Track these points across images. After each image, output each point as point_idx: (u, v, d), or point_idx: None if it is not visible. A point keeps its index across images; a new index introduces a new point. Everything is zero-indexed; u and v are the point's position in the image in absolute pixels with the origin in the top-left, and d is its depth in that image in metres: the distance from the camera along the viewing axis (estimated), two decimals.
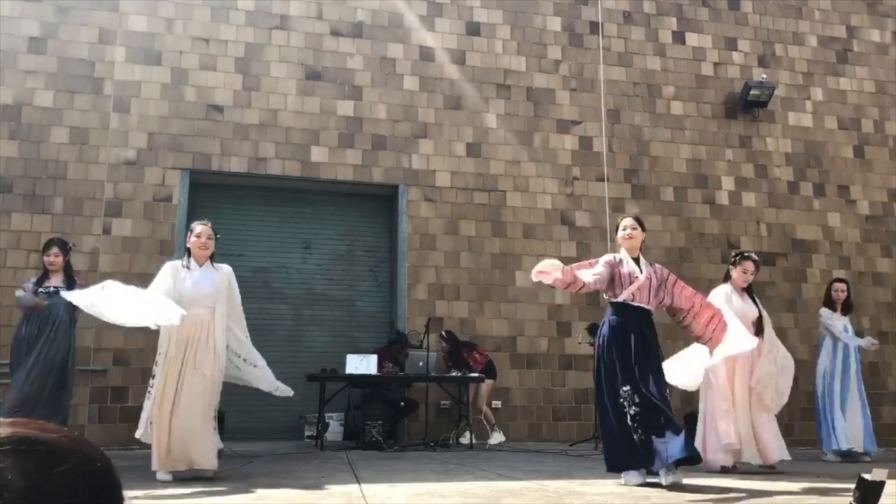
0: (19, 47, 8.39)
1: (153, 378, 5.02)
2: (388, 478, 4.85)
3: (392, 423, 8.01)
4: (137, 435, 5.04)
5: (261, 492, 4.19)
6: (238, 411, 8.09)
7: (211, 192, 9.03)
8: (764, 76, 10.13)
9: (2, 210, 8.03)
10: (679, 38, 10.33)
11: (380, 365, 7.82)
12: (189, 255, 5.29)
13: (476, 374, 8.11)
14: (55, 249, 6.29)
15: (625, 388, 4.51)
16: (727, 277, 6.25)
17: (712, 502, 3.92)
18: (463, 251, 9.09)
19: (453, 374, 8.15)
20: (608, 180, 9.59)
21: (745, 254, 6.34)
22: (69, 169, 8.28)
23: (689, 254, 9.58)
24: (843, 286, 7.60)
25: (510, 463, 5.97)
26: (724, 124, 10.21)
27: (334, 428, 8.53)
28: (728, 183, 10.02)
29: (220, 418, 6.77)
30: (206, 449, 4.94)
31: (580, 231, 9.41)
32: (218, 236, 5.41)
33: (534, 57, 9.80)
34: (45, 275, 6.31)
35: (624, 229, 4.98)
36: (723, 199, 9.95)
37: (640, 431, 4.40)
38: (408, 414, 8.35)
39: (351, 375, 7.66)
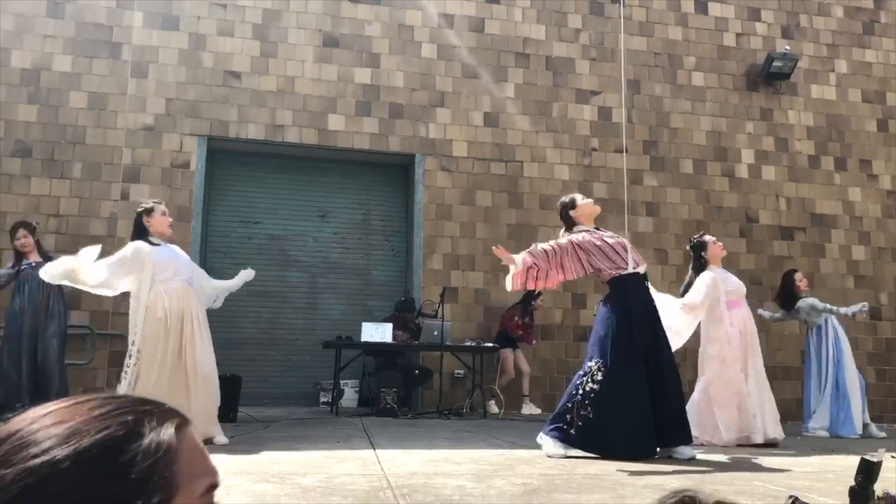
0: (38, 11, 8.38)
1: (135, 351, 4.88)
2: (403, 444, 4.89)
3: (406, 390, 8.08)
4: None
5: (277, 455, 4.24)
6: (254, 377, 8.18)
7: (228, 159, 9.05)
8: (787, 48, 9.97)
9: (21, 174, 8.08)
10: (701, 7, 10.16)
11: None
12: (148, 234, 5.18)
13: (490, 345, 8.14)
14: (22, 231, 6.54)
15: (650, 363, 4.43)
16: (702, 263, 6.08)
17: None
18: (479, 222, 9.07)
19: (467, 343, 8.19)
20: (627, 152, 9.50)
21: (701, 233, 6.31)
22: (87, 134, 8.30)
23: (707, 227, 9.48)
24: (801, 275, 7.48)
25: (523, 432, 6.00)
26: (746, 96, 10.08)
27: (349, 395, 8.61)
28: (748, 156, 9.91)
29: (238, 383, 6.90)
30: (215, 421, 5.03)
31: (598, 203, 9.32)
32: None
33: (553, 26, 9.68)
34: (19, 258, 6.53)
35: (595, 203, 4.96)
36: (742, 172, 9.85)
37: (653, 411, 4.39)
38: (422, 382, 8.41)
39: (366, 343, 7.71)
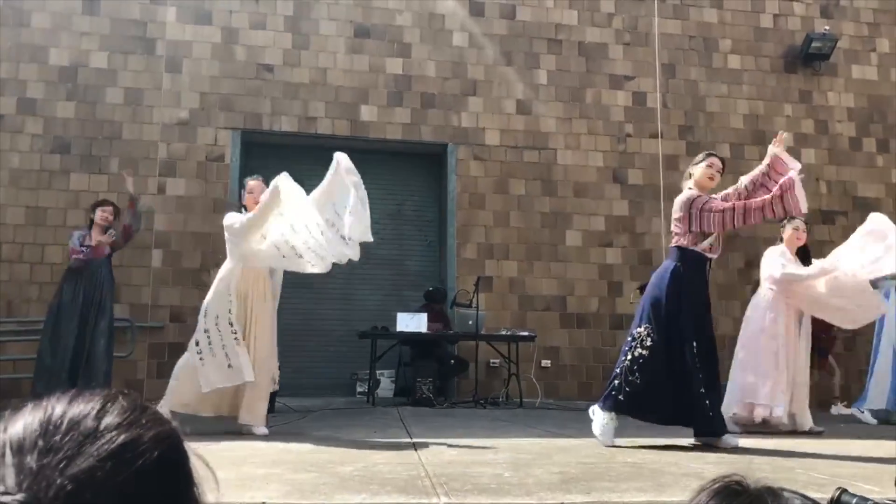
0: (74, 9, 8.50)
1: (230, 325, 4.92)
2: (440, 433, 4.89)
3: (442, 380, 8.09)
4: (249, 378, 4.85)
5: (315, 444, 4.27)
6: (291, 368, 8.23)
7: (262, 152, 9.10)
8: (826, 27, 9.73)
9: (61, 170, 8.22)
10: None
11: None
12: (246, 212, 5.28)
13: (525, 333, 8.10)
14: (112, 208, 6.47)
15: (693, 346, 4.34)
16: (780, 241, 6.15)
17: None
18: (512, 210, 9.02)
19: (502, 332, 8.17)
20: (662, 137, 9.38)
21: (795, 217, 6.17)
22: (124, 129, 8.42)
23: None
24: None
25: (560, 421, 5.98)
26: (784, 78, 9.87)
27: (385, 385, 8.63)
28: (786, 139, 9.70)
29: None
30: (258, 410, 5.06)
31: (633, 189, 9.25)
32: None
33: (586, 10, 9.57)
34: (89, 231, 6.42)
35: (710, 166, 4.65)
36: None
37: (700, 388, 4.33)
38: (457, 372, 8.41)
39: (401, 333, 7.73)
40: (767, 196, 4.46)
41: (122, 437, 0.61)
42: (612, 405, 4.40)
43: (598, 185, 9.22)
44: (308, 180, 9.53)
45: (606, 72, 9.48)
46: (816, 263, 5.89)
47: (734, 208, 4.44)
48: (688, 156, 9.39)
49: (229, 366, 4.89)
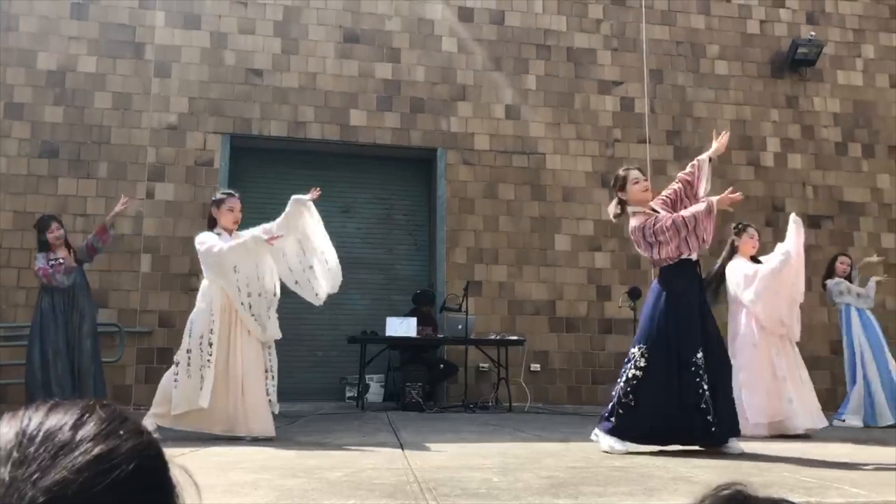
0: (62, 13, 8.48)
1: (210, 346, 4.90)
2: (429, 438, 4.89)
3: (431, 384, 8.09)
4: (203, 404, 4.80)
5: (303, 450, 4.26)
6: (279, 373, 8.20)
7: (251, 157, 9.10)
8: (812, 34, 9.82)
9: (48, 175, 8.19)
10: None
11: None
12: (216, 226, 5.15)
13: (514, 338, 8.11)
14: (56, 224, 6.34)
15: (698, 357, 4.25)
16: (733, 251, 6.12)
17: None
18: (501, 215, 9.04)
19: (492, 336, 8.18)
20: (650, 142, 9.43)
21: (745, 223, 6.24)
22: (112, 134, 8.39)
23: (732, 217, 9.33)
24: (848, 260, 7.47)
25: (549, 425, 5.99)
26: (770, 84, 9.95)
27: (375, 389, 8.63)
28: (773, 144, 9.79)
29: None
30: (264, 417, 5.00)
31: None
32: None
33: (574, 16, 9.61)
34: (48, 251, 6.32)
35: (636, 182, 4.55)
36: (768, 160, 9.73)
37: (708, 403, 4.21)
38: (447, 376, 8.41)
39: (391, 338, 7.73)
40: (702, 207, 4.39)
41: (97, 449, 0.61)
42: (608, 429, 4.30)
43: (586, 190, 9.26)
44: (297, 184, 9.53)
45: (595, 77, 9.52)
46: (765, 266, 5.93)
47: (684, 219, 4.32)
48: (675, 161, 9.47)
49: (201, 388, 4.83)
